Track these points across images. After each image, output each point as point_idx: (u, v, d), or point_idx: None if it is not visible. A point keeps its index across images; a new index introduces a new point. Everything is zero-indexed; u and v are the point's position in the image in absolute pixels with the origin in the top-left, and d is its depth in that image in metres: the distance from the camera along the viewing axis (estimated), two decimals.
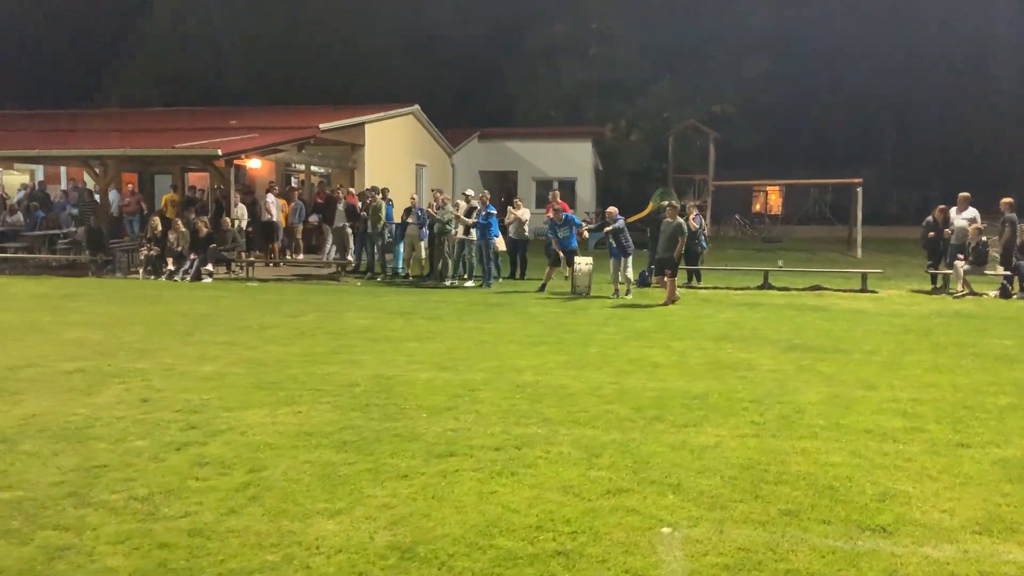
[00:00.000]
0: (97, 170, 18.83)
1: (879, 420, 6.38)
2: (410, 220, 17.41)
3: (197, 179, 25.08)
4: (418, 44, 35.73)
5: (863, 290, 15.73)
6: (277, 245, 20.39)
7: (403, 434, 5.81)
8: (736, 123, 33.68)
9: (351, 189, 19.23)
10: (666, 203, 19.16)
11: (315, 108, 25.14)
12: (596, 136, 32.09)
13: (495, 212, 16.49)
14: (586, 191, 31.48)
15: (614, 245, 14.94)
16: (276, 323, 11.11)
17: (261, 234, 20.34)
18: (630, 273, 14.89)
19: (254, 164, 24.04)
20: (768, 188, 44.59)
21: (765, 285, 16.36)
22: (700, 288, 16.45)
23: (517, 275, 17.98)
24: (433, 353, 8.99)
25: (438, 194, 17.64)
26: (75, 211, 21.46)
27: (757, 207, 44.62)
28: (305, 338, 9.90)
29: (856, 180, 24.17)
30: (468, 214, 16.59)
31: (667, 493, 4.74)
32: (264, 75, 35.70)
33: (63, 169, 26.48)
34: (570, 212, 16.74)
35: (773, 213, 42.89)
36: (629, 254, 14.77)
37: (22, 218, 21.36)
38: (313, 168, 24.47)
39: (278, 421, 6.14)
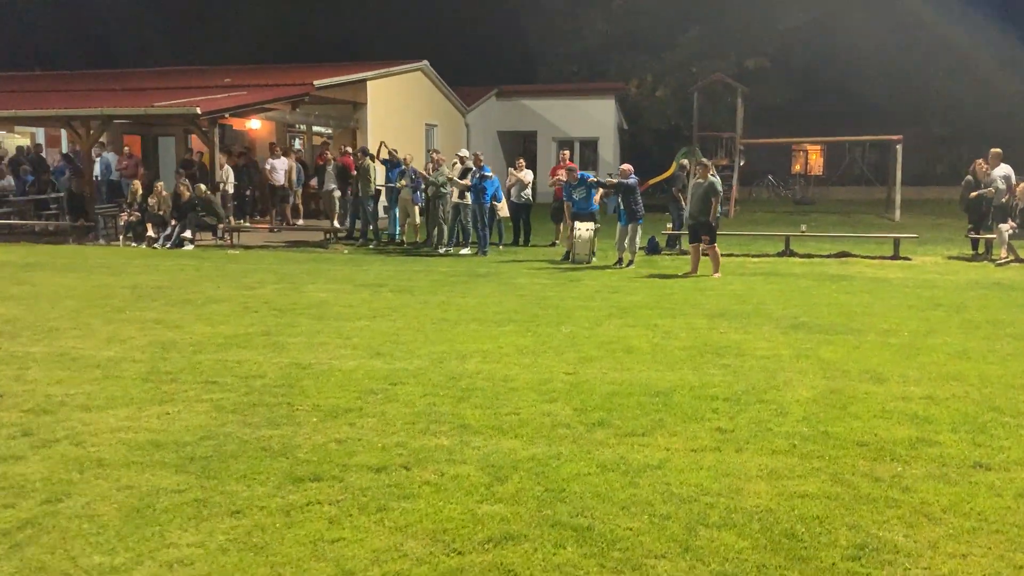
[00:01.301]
0: (79, 131, 17.89)
1: (879, 428, 5.11)
2: (403, 183, 16.24)
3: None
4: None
5: (895, 257, 14.24)
6: (288, 207, 19.38)
7: (273, 447, 4.70)
8: (771, 78, 31.75)
9: (347, 149, 18.04)
10: (686, 161, 17.87)
11: (318, 66, 23.89)
12: (620, 93, 30.44)
13: (491, 174, 15.22)
14: (609, 151, 29.93)
15: (622, 207, 13.64)
16: (225, 296, 10.07)
17: (268, 198, 19.38)
18: (637, 240, 13.56)
19: (253, 125, 23.04)
20: (808, 147, 42.54)
21: (786, 252, 14.93)
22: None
23: (521, 241, 16.77)
24: (376, 335, 7.86)
25: (434, 154, 16.43)
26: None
27: (797, 167, 42.59)
28: (245, 315, 8.83)
29: (895, 137, 22.38)
30: (463, 176, 15.36)
31: (567, 543, 3.56)
32: (270, 33, 34.51)
33: (63, 132, 25.72)
34: (590, 174, 15.41)
35: (814, 174, 40.90)
36: (638, 219, 13.43)
37: (11, 182, 20.60)
38: (316, 129, 23.37)
39: (136, 426, 5.07)
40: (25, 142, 26.04)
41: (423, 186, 16.06)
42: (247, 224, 18.85)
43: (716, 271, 12.49)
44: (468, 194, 15.16)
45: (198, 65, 28.99)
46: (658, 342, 7.63)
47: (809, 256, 14.64)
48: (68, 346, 7.27)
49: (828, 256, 14.59)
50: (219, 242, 16.63)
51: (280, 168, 18.82)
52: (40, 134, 26.45)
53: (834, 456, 4.61)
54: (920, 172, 30.71)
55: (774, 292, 10.74)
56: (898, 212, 21.98)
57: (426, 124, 25.16)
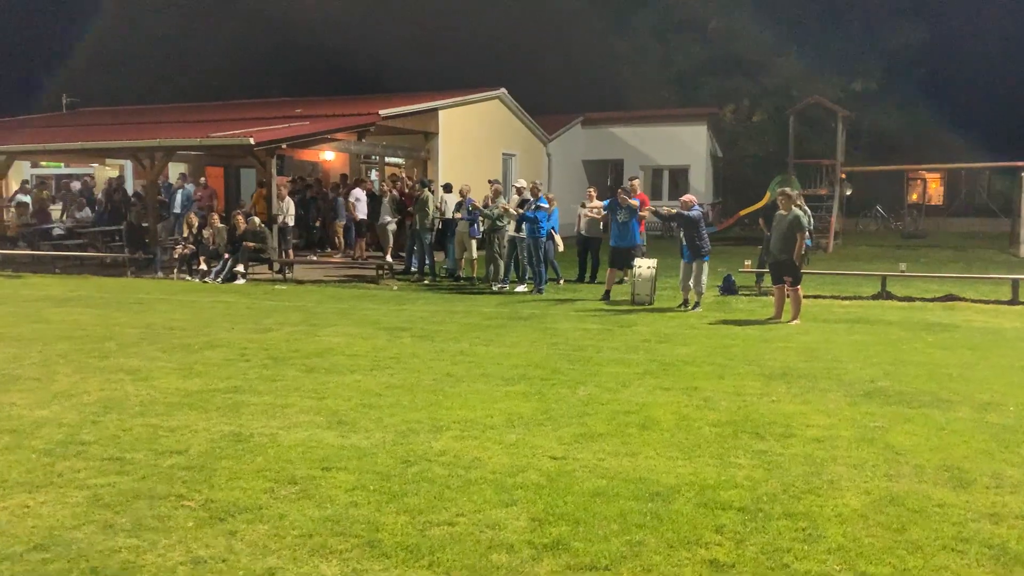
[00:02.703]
0: (144, 162, 17.73)
1: (946, 569, 3.63)
2: (458, 215, 15.26)
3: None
4: (517, 24, 33.39)
5: (1012, 302, 12.26)
6: (363, 241, 18.63)
7: (105, 571, 3.61)
8: (881, 101, 29.50)
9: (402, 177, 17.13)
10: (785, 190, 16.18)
11: (391, 96, 23.39)
12: (713, 118, 28.77)
13: (547, 205, 14.03)
14: (701, 180, 28.26)
15: (684, 243, 12.21)
16: (229, 341, 9.20)
17: (347, 231, 18.69)
18: (704, 280, 12.07)
19: (327, 156, 22.64)
20: (927, 176, 39.56)
21: (882, 294, 13.11)
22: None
23: (587, 278, 15.48)
24: (357, 394, 6.76)
25: (494, 185, 15.39)
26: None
27: (914, 197, 39.64)
28: (231, 365, 7.90)
29: (1020, 163, 20.01)
30: (521, 207, 14.23)
31: None
32: (349, 65, 34.45)
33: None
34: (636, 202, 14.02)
35: (933, 203, 37.93)
36: (703, 256, 11.96)
37: (89, 213, 20.77)
38: (389, 160, 22.76)
39: None
40: (115, 174, 26.58)
41: (480, 218, 15.01)
42: (314, 257, 18.26)
43: (795, 317, 10.92)
44: (524, 227, 14.02)
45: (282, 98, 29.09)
46: (688, 413, 6.24)
47: (909, 299, 12.80)
48: (6, 401, 6.46)
49: (931, 300, 12.72)
50: (274, 276, 16.00)
51: (364, 200, 18.05)
52: (129, 166, 26.94)
53: None
54: None
55: (855, 345, 9.11)
56: (1023, 247, 19.56)
57: (503, 153, 24.22)
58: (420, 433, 5.66)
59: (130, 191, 23.05)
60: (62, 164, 28.40)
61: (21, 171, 26.82)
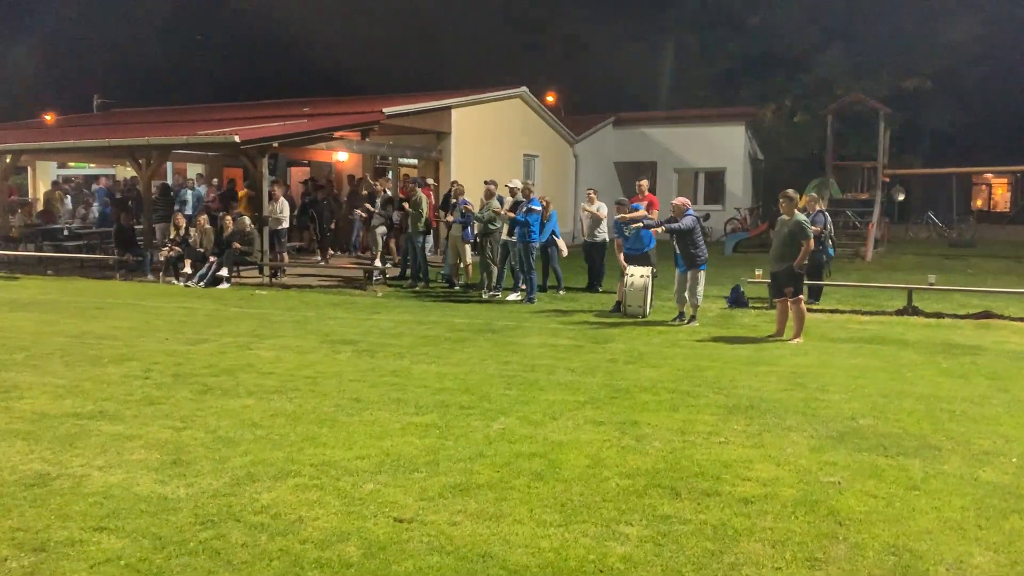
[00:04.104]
0: (140, 161, 17.16)
1: None
2: (449, 218, 14.27)
3: (300, 174, 23.40)
4: (545, 22, 32.33)
5: None
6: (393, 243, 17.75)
7: None
8: (935, 100, 27.64)
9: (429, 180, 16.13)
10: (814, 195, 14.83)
11: (406, 96, 22.53)
12: (751, 119, 27.27)
13: (539, 208, 12.96)
14: (738, 183, 26.82)
15: (678, 251, 11.03)
16: (147, 354, 8.35)
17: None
18: (700, 291, 10.86)
19: (340, 156, 21.89)
20: (993, 180, 37.28)
21: (908, 309, 11.71)
22: (815, 310, 12.10)
23: (598, 286, 14.24)
24: (230, 422, 5.82)
25: (491, 186, 14.34)
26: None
27: (979, 203, 37.39)
28: (123, 384, 7.04)
29: None
30: (514, 209, 13.18)
31: None
32: (376, 64, 33.84)
33: (169, 164, 25.72)
34: (641, 204, 12.84)
35: (999, 211, 35.68)
36: (699, 265, 10.75)
37: (95, 213, 20.39)
38: (403, 160, 21.92)
39: None
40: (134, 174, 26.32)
41: (474, 221, 14.02)
42: (323, 262, 17.51)
43: (797, 335, 9.68)
44: (516, 231, 12.99)
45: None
46: (605, 458, 5.14)
47: (938, 316, 11.39)
48: None
49: (964, 316, 11.29)
50: (265, 279, 15.23)
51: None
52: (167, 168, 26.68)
53: None
54: None
55: (852, 371, 7.85)
56: None
57: (524, 155, 23.17)
58: (259, 480, 4.68)
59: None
60: (88, 165, 28.37)
61: (48, 172, 26.81)
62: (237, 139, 14.68)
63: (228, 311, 11.69)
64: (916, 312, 11.61)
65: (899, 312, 11.69)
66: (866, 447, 5.44)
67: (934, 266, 18.08)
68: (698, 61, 30.64)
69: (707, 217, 26.17)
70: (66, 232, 19.33)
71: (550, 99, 34.91)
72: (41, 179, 25.64)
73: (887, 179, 21.36)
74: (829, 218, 13.32)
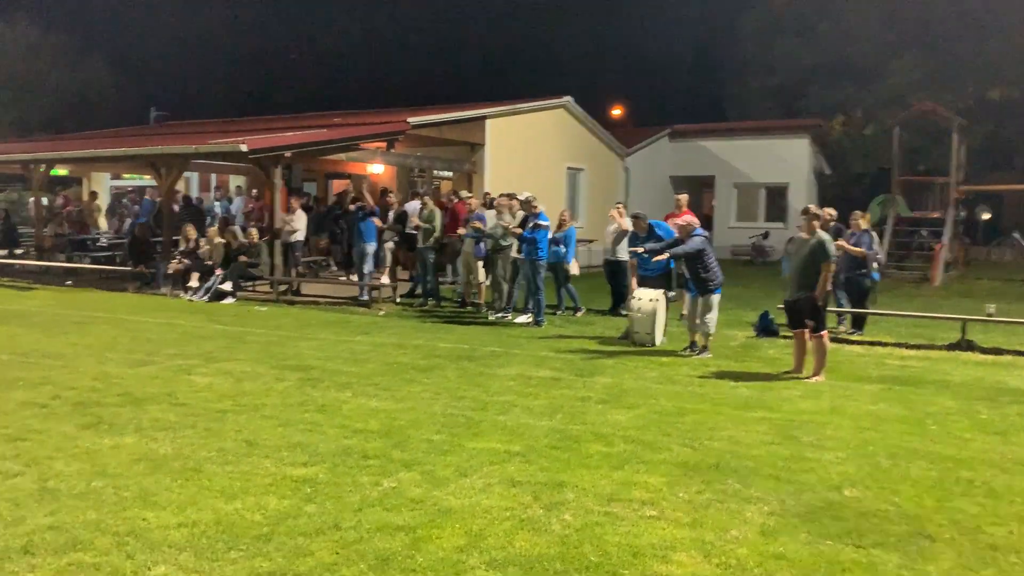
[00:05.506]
0: (161, 171, 16.77)
1: None
2: (461, 231, 13.32)
3: (343, 186, 22.89)
4: (611, 36, 31.22)
5: None
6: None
7: None
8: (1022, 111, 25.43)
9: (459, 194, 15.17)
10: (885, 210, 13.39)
11: (443, 107, 21.71)
12: (816, 131, 25.55)
13: (547, 223, 11.88)
14: (801, 199, 25.02)
15: (687, 275, 9.81)
16: (69, 378, 7.63)
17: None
18: (712, 319, 9.60)
19: (375, 169, 21.22)
20: None
21: (961, 343, 10.18)
22: (855, 342, 10.69)
23: (621, 309, 13.03)
24: (75, 470, 4.97)
25: (504, 200, 13.32)
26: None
27: None
28: (9, 416, 6.29)
29: None
30: (523, 224, 12.16)
31: None
32: (431, 77, 33.26)
33: (212, 176, 25.61)
34: (660, 221, 11.62)
35: None
36: (711, 290, 9.51)
37: (117, 225, 20.20)
38: (437, 172, 21.12)
39: None
40: (181, 186, 26.25)
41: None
42: (346, 278, 16.79)
43: (817, 372, 8.38)
44: (523, 248, 11.96)
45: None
46: (488, 535, 4.07)
47: (996, 352, 9.86)
48: None
49: None
50: (275, 294, 14.55)
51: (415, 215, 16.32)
52: (195, 178, 26.60)
53: None
54: None
55: (864, 420, 6.55)
56: None
57: (568, 168, 22.09)
58: (32, 553, 3.78)
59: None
60: (142, 176, 28.53)
61: (103, 183, 27.06)
62: (244, 147, 14.07)
63: (208, 328, 10.97)
64: (971, 347, 10.08)
65: (950, 347, 10.18)
66: (836, 532, 4.22)
67: (1012, 293, 16.25)
68: (763, 71, 29.01)
69: (767, 235, 24.66)
70: (97, 243, 19.16)
71: (616, 112, 33.80)
72: (97, 190, 25.82)
73: (962, 196, 19.48)
74: (876, 239, 11.88)
